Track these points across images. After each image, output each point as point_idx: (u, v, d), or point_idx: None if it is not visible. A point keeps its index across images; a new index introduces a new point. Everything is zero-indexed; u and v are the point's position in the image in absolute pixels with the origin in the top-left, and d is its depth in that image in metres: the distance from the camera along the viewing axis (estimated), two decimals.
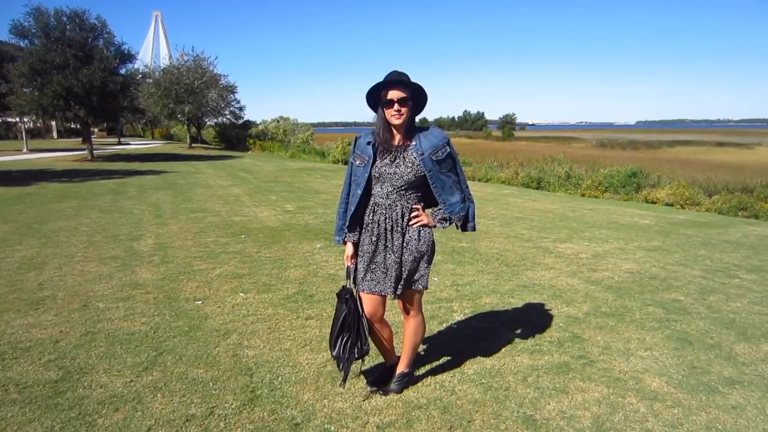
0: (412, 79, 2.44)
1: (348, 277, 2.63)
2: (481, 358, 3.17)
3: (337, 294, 2.62)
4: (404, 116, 2.42)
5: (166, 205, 9.17)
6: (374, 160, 2.51)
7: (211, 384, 2.79)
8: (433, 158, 2.46)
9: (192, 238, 6.44)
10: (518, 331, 3.60)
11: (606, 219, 8.94)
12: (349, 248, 2.62)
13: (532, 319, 3.85)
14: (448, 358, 3.16)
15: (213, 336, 3.43)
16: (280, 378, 2.88)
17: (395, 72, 2.45)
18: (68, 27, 18.30)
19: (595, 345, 3.41)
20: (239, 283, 4.59)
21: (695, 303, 4.33)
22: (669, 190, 13.23)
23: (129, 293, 4.29)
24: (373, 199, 2.56)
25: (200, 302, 4.09)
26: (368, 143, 2.53)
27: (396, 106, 2.40)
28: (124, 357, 3.10)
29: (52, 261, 5.29)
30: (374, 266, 2.55)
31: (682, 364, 3.17)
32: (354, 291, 2.61)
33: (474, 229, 2.67)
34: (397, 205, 2.50)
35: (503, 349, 3.30)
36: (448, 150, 2.51)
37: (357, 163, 2.56)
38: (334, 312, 2.65)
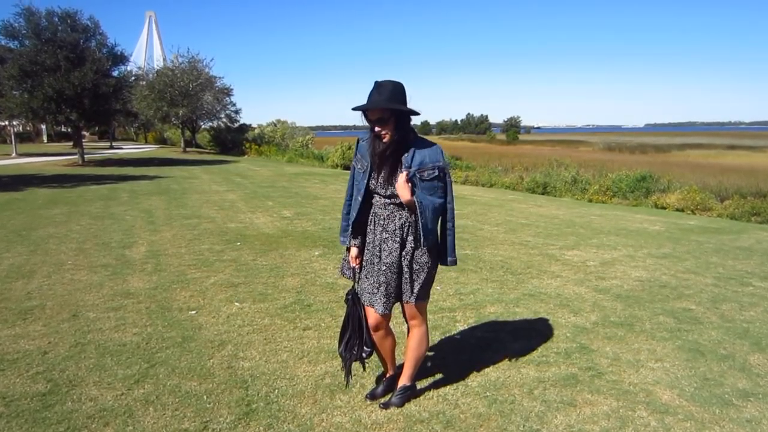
0: (401, 81, 2.44)
1: (353, 279, 2.70)
2: (486, 369, 3.16)
3: (345, 294, 2.71)
4: (388, 135, 2.43)
5: (159, 212, 9.17)
6: (371, 170, 2.52)
7: (205, 397, 2.78)
8: (419, 175, 2.43)
9: (186, 245, 6.44)
10: (524, 342, 3.59)
11: (614, 225, 8.94)
12: (354, 251, 2.67)
13: (539, 329, 3.84)
14: (451, 369, 3.14)
15: (207, 347, 3.42)
16: (276, 391, 2.87)
17: (376, 84, 2.42)
18: (60, 28, 18.39)
19: (604, 356, 3.40)
20: (234, 292, 4.58)
21: (707, 312, 4.32)
22: (679, 195, 13.22)
23: (120, 303, 4.28)
24: (372, 208, 2.59)
25: (194, 312, 4.08)
26: (372, 147, 2.53)
27: (376, 128, 2.42)
28: (115, 369, 3.10)
29: (41, 269, 5.29)
30: (371, 281, 2.60)
31: (695, 375, 3.16)
32: (358, 293, 2.67)
33: (454, 264, 2.64)
34: (395, 216, 2.52)
35: (508, 361, 3.29)
36: (436, 173, 2.46)
37: (358, 167, 2.59)
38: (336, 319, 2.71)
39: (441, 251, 2.62)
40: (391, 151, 2.45)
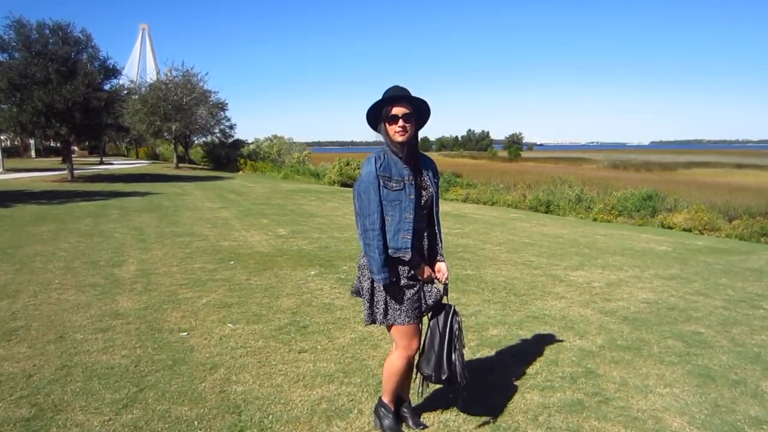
0: (413, 94, 2.52)
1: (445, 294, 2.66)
2: (488, 394, 3.15)
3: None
4: (408, 133, 2.44)
5: (150, 229, 9.18)
6: (412, 181, 2.49)
7: (196, 423, 2.76)
8: (435, 180, 2.62)
9: (177, 264, 6.43)
10: (528, 366, 3.58)
11: (620, 245, 8.96)
12: (427, 268, 2.60)
13: (543, 353, 3.83)
14: (452, 395, 3.12)
15: (199, 370, 3.40)
16: (270, 416, 2.84)
17: (396, 87, 2.51)
18: (51, 40, 18.59)
19: (611, 381, 3.39)
20: (227, 313, 4.57)
21: (717, 336, 4.32)
22: (686, 215, 13.28)
23: (109, 323, 4.26)
24: (410, 225, 2.56)
25: (185, 333, 4.06)
26: (395, 161, 2.47)
27: (401, 122, 2.42)
28: (103, 393, 3.07)
29: (27, 288, 5.28)
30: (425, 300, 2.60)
31: (705, 402, 3.15)
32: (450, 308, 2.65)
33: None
34: (419, 227, 2.55)
35: (512, 386, 3.28)
36: (438, 177, 2.70)
37: (393, 186, 2.44)
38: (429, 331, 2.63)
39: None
40: (415, 144, 2.53)
